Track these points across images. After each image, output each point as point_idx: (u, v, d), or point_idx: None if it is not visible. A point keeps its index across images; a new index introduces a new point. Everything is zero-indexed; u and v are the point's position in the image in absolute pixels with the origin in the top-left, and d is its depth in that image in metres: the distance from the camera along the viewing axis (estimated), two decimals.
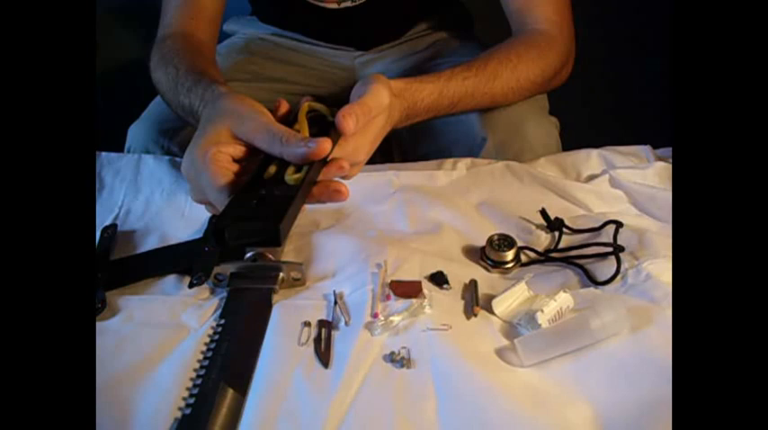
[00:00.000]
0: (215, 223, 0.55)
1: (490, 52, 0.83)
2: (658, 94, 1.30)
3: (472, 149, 0.87)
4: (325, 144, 0.56)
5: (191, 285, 0.62)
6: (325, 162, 0.60)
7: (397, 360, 0.54)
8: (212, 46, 0.89)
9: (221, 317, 0.59)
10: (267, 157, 0.59)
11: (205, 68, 0.75)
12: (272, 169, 0.57)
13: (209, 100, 0.66)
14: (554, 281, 0.65)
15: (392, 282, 0.62)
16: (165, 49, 0.81)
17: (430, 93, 0.75)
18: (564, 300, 0.58)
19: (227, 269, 0.63)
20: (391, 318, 0.57)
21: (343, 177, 0.64)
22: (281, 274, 0.62)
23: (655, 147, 0.84)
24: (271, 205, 0.53)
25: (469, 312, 0.60)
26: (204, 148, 0.58)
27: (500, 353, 0.55)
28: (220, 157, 0.58)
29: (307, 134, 0.61)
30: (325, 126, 0.64)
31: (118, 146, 0.91)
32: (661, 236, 0.67)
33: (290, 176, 0.56)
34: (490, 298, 0.61)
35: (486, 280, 0.64)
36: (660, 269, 0.62)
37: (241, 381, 0.53)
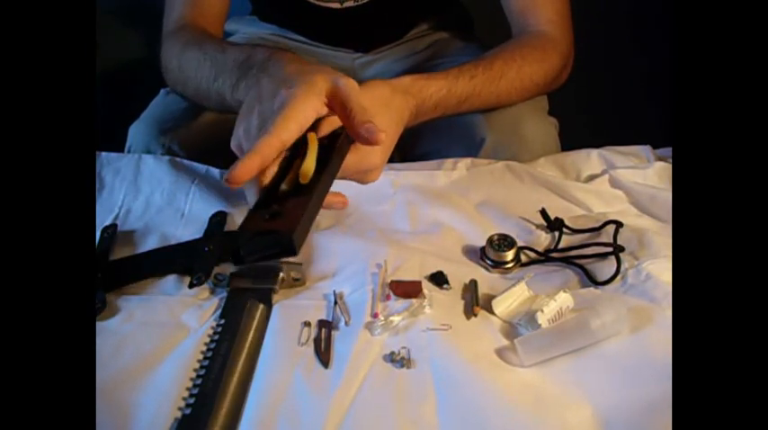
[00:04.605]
0: (233, 247, 0.55)
1: (495, 52, 0.83)
2: (658, 93, 1.30)
3: (471, 149, 0.87)
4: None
5: (191, 285, 0.62)
6: (339, 163, 0.61)
7: (397, 360, 0.54)
8: None
9: (221, 317, 0.59)
10: (287, 160, 0.58)
11: None
12: (291, 175, 0.57)
13: (289, 59, 0.64)
14: (554, 281, 0.65)
15: (392, 282, 0.62)
16: (188, 36, 0.81)
17: (438, 89, 0.75)
18: (564, 300, 0.58)
19: (227, 269, 0.63)
20: (391, 318, 0.57)
21: (362, 182, 0.65)
22: (281, 274, 0.62)
23: (655, 147, 0.84)
24: (283, 216, 0.53)
25: (469, 312, 0.60)
26: (307, 90, 0.57)
27: (500, 353, 0.55)
28: (308, 110, 0.57)
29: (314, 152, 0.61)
30: (332, 138, 0.62)
31: (118, 146, 0.91)
32: (661, 236, 0.67)
33: (305, 170, 0.55)
34: (490, 298, 0.61)
35: (486, 280, 0.64)
36: (660, 269, 0.62)
37: (241, 381, 0.53)
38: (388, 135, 0.66)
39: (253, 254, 0.54)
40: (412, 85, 0.72)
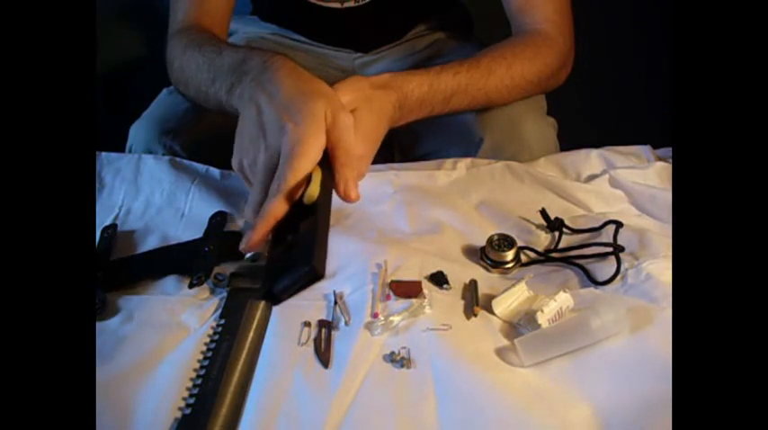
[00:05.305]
0: (265, 289, 0.59)
1: (485, 50, 0.83)
2: (658, 93, 1.30)
3: (469, 150, 0.87)
4: (353, 195, 0.61)
5: (191, 285, 0.62)
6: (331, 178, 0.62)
7: (397, 360, 0.54)
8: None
9: (221, 317, 0.59)
10: None
11: None
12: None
13: (285, 72, 0.64)
14: (554, 281, 0.65)
15: (392, 282, 0.62)
16: (191, 36, 0.81)
17: (420, 85, 0.75)
18: (564, 300, 0.58)
19: (227, 269, 0.63)
20: (391, 318, 0.57)
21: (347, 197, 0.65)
22: None
23: (655, 147, 0.84)
24: (300, 247, 0.57)
25: (469, 312, 0.60)
26: (313, 129, 0.59)
27: (500, 353, 0.55)
28: (317, 153, 0.59)
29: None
30: None
31: (118, 146, 0.91)
32: (661, 236, 0.67)
33: (310, 194, 0.58)
34: (490, 298, 0.61)
35: (486, 280, 0.64)
36: (660, 269, 0.62)
37: (241, 381, 0.53)
38: (373, 129, 0.66)
39: (285, 291, 0.58)
40: (392, 79, 0.72)
